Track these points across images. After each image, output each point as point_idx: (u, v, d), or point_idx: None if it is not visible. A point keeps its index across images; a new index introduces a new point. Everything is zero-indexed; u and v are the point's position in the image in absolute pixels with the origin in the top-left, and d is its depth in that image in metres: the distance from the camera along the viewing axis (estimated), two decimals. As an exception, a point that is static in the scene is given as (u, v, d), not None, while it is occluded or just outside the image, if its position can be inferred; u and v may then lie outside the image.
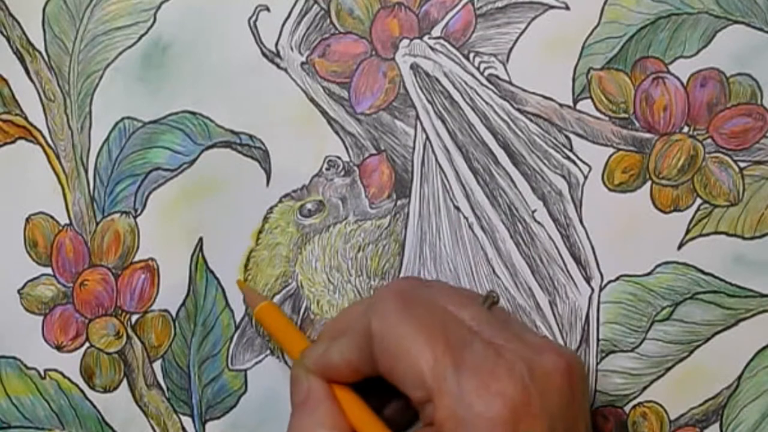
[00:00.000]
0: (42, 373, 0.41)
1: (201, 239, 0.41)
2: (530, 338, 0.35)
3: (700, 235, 0.40)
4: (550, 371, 0.33)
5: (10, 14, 0.41)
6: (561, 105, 0.40)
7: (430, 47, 0.41)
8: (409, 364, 0.33)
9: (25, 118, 0.42)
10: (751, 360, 0.40)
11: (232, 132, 0.41)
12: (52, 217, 0.41)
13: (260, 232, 0.41)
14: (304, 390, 0.36)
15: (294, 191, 0.41)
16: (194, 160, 0.41)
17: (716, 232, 0.40)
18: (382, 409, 0.37)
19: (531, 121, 0.41)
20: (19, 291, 0.42)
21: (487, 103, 0.41)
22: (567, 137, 0.40)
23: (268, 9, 0.41)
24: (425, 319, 0.33)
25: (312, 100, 0.41)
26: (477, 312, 0.35)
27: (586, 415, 0.34)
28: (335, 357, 0.36)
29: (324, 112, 0.41)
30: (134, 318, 0.41)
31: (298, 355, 0.38)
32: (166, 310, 0.41)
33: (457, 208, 0.41)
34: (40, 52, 0.41)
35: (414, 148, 0.41)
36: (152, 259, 0.41)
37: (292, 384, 0.37)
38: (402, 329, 0.33)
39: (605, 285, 0.40)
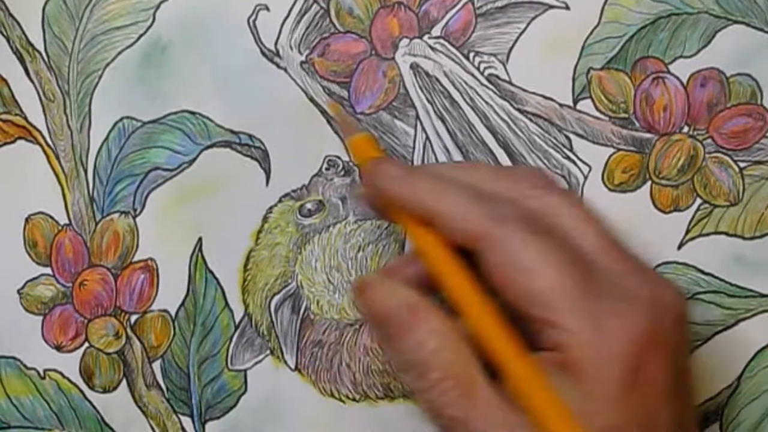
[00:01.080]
0: (41, 374, 0.42)
1: (200, 239, 0.41)
2: (650, 271, 0.33)
3: (700, 235, 0.40)
4: (671, 304, 0.32)
5: (10, 14, 0.41)
6: (561, 105, 0.40)
7: (430, 47, 0.41)
8: (534, 281, 0.30)
9: (25, 118, 0.42)
10: (751, 360, 0.40)
11: (232, 132, 0.41)
12: (51, 217, 0.41)
13: (260, 231, 0.41)
14: (403, 306, 0.32)
15: (294, 191, 0.41)
16: (194, 159, 0.41)
17: (716, 232, 0.40)
18: None
19: (531, 121, 0.41)
20: (18, 291, 0.42)
21: (487, 103, 0.41)
22: (567, 137, 0.40)
23: (267, 8, 0.41)
24: (550, 239, 0.31)
25: (312, 99, 0.41)
26: (600, 230, 0.33)
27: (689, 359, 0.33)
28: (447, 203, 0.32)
29: (324, 112, 0.41)
30: (133, 318, 0.41)
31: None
32: (165, 310, 0.41)
33: (457, 208, 0.41)
34: (39, 52, 0.41)
35: (414, 148, 0.41)
36: (151, 259, 0.41)
37: (373, 309, 0.33)
38: (527, 246, 0.31)
39: (605, 285, 0.40)
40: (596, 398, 0.30)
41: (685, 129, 0.40)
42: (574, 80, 0.40)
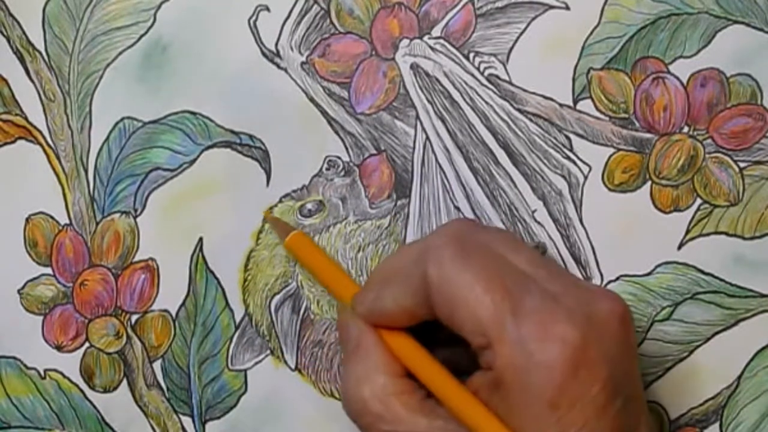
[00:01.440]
0: (42, 373, 0.42)
1: (201, 239, 0.41)
2: (585, 285, 0.35)
3: (700, 235, 0.40)
4: (607, 318, 0.33)
5: (10, 14, 0.41)
6: (561, 105, 0.40)
7: (430, 47, 0.41)
8: (468, 312, 0.32)
9: (25, 118, 0.42)
10: (751, 360, 0.40)
11: (232, 132, 0.41)
12: (52, 217, 0.41)
13: (260, 232, 0.41)
14: (354, 337, 0.36)
15: (294, 191, 0.41)
16: (194, 160, 0.41)
17: (716, 232, 0.40)
18: (437, 350, 0.36)
19: (531, 121, 0.41)
20: (19, 291, 0.42)
21: (487, 103, 0.41)
22: (567, 137, 0.40)
23: (268, 9, 0.41)
24: (482, 265, 0.33)
25: (312, 100, 0.41)
26: (532, 257, 0.34)
27: (638, 366, 0.34)
28: (389, 303, 0.35)
29: (324, 112, 0.41)
30: (134, 318, 0.41)
31: (350, 301, 0.37)
32: (166, 310, 0.41)
33: (457, 208, 0.41)
34: (40, 52, 0.41)
35: (414, 148, 0.41)
36: (152, 259, 0.41)
37: (341, 331, 0.37)
38: (460, 277, 0.33)
39: (605, 285, 0.40)
40: (525, 415, 0.31)
41: (685, 129, 0.40)
42: (574, 80, 0.40)
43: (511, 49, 0.41)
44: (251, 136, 0.41)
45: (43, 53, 0.41)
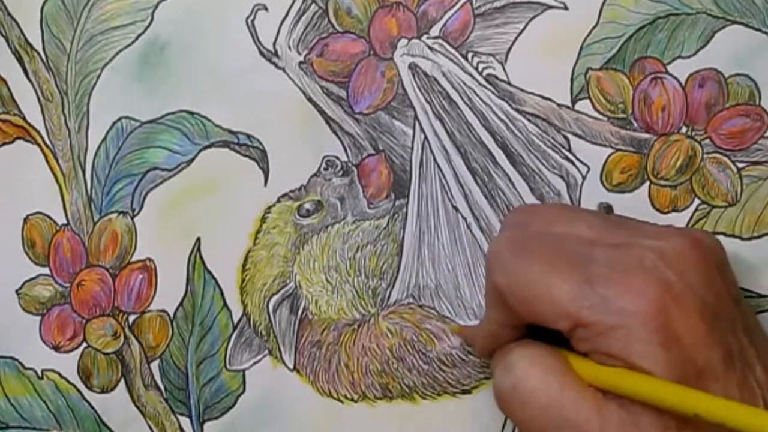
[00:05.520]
0: (39, 374, 0.41)
1: (198, 239, 0.41)
2: (651, 228, 0.35)
3: (699, 236, 0.40)
4: (681, 251, 0.33)
5: (9, 14, 0.41)
6: (559, 105, 0.40)
7: (429, 47, 0.41)
8: (545, 301, 0.32)
9: (24, 118, 0.42)
10: (750, 360, 0.40)
11: (230, 132, 0.41)
12: (49, 217, 0.41)
13: (258, 232, 0.41)
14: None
15: (292, 191, 0.41)
16: (192, 159, 0.41)
17: (714, 233, 0.40)
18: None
19: (529, 121, 0.41)
20: (17, 291, 0.42)
21: (485, 103, 0.41)
22: (565, 137, 0.40)
23: (265, 8, 0.41)
24: (542, 252, 0.33)
25: (310, 99, 0.41)
26: (592, 220, 0.35)
27: (736, 288, 0.34)
28: (489, 326, 0.36)
29: (322, 112, 0.41)
30: (132, 318, 0.41)
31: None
32: (163, 311, 0.41)
33: (456, 209, 0.41)
34: (38, 52, 0.41)
35: (412, 148, 0.41)
36: (150, 260, 0.41)
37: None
38: (525, 273, 0.33)
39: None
40: (650, 364, 0.31)
41: (684, 129, 0.40)
42: (572, 80, 0.40)
43: (509, 49, 0.41)
44: (249, 136, 0.41)
45: (41, 53, 0.41)
